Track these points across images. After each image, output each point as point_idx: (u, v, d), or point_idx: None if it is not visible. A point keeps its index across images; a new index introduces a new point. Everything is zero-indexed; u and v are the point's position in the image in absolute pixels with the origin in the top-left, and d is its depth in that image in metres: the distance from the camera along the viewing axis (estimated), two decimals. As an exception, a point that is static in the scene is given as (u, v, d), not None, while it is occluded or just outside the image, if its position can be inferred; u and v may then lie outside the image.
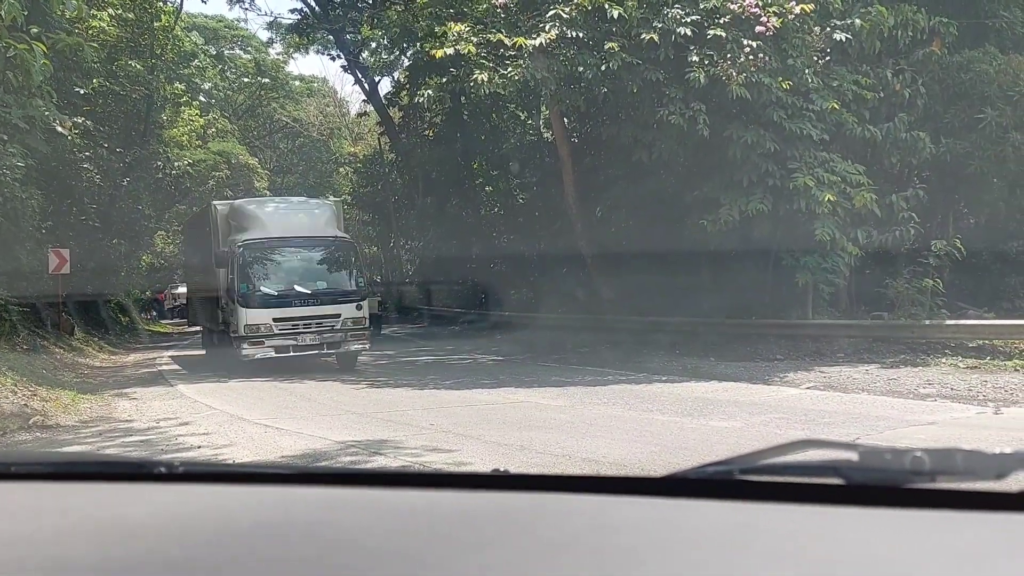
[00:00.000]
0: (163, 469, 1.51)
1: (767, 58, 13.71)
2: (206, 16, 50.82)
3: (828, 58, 14.95)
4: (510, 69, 13.33)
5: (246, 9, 63.20)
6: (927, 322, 13.96)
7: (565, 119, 20.31)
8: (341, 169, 55.92)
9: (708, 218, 14.35)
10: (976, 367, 12.23)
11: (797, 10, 13.86)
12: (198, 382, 13.85)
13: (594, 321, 19.19)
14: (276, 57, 54.66)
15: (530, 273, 24.09)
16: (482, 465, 6.10)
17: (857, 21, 14.65)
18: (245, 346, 14.71)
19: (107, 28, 26.33)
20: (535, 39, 13.26)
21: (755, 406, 9.64)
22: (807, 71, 14.15)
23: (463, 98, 27.35)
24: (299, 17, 36.50)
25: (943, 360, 12.83)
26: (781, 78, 13.90)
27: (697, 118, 13.50)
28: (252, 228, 15.77)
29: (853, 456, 1.25)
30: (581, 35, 13.63)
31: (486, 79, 13.23)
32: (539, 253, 23.95)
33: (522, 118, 27.00)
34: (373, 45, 31.64)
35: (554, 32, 13.50)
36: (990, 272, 17.58)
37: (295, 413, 9.96)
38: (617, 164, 18.29)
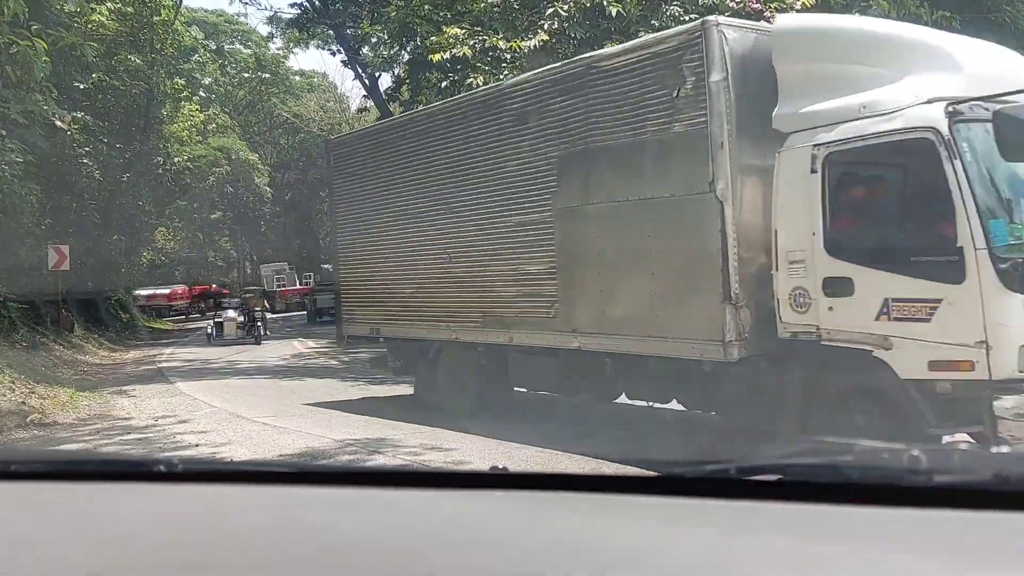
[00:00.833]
0: (162, 468, 1.50)
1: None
2: (206, 11, 50.75)
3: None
4: (507, 72, 13.22)
5: (246, 3, 62.87)
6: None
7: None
8: (341, 165, 55.83)
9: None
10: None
11: (798, 6, 13.75)
12: (198, 379, 13.81)
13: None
14: (276, 52, 54.46)
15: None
16: (481, 464, 6.06)
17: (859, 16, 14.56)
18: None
19: (106, 23, 26.23)
20: (532, 39, 13.17)
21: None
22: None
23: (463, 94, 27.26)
24: (299, 12, 36.32)
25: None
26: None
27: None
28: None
29: (850, 455, 1.25)
30: (579, 34, 13.52)
31: (482, 83, 13.12)
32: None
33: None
34: (373, 40, 31.54)
35: (552, 30, 13.39)
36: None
37: (295, 411, 9.91)
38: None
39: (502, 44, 13.15)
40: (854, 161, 5.97)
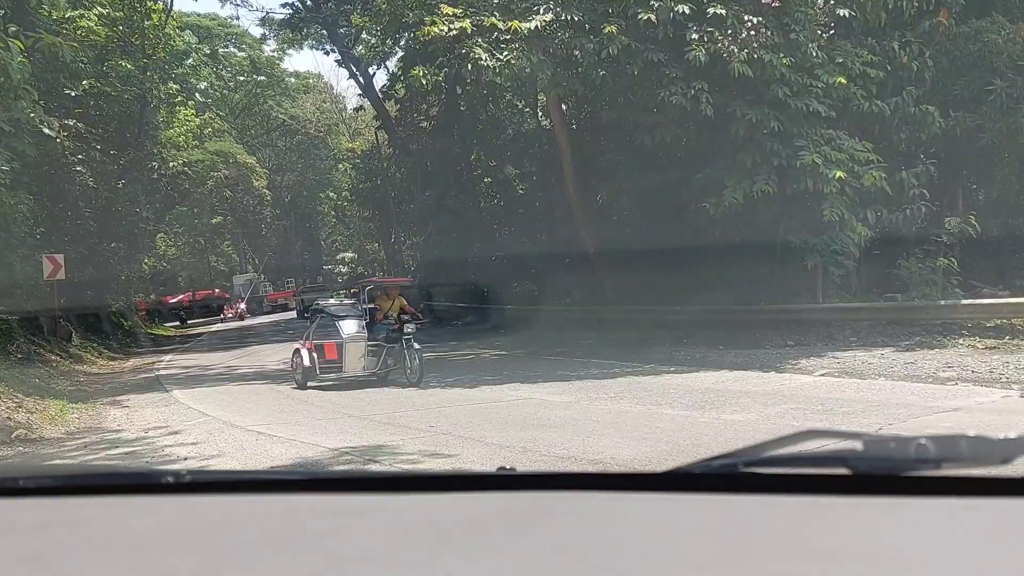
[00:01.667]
0: (170, 479, 1.50)
1: (769, 33, 13.26)
2: (199, 14, 50.35)
3: (832, 32, 14.45)
4: (506, 53, 12.90)
5: (237, 5, 62.62)
6: (942, 303, 13.52)
7: (564, 105, 19.89)
8: (340, 166, 55.59)
9: (711, 201, 13.93)
10: (995, 347, 11.82)
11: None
12: (194, 387, 13.52)
13: (598, 312, 18.80)
14: (271, 54, 54.32)
15: (532, 265, 23.67)
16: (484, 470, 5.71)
17: (861, -8, 14.17)
18: None
19: (95, 28, 25.93)
20: (530, 21, 12.85)
21: (768, 396, 9.24)
22: (811, 45, 13.67)
23: (459, 88, 26.95)
24: (291, 12, 36.00)
25: (960, 341, 12.41)
26: (783, 54, 13.44)
27: (699, 97, 13.08)
28: None
29: (858, 445, 1.23)
30: (577, 17, 13.21)
31: (486, 58, 12.78)
32: (540, 245, 23.57)
33: (520, 107, 26.55)
34: (365, 36, 31.23)
35: (549, 15, 13.09)
36: (1001, 249, 17.08)
37: (290, 418, 9.59)
38: (618, 150, 17.86)
39: (500, 25, 12.81)
40: None
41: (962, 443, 1.19)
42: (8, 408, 9.54)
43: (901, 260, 14.36)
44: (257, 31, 49.95)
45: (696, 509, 1.24)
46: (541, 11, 12.99)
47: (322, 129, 58.84)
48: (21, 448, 8.24)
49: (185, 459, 7.15)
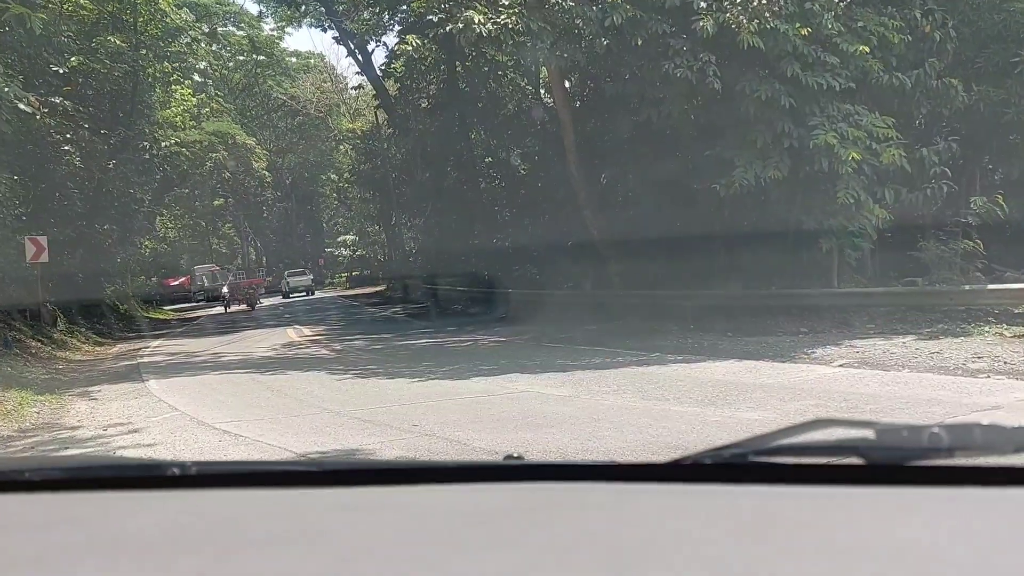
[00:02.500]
0: (176, 471, 1.49)
1: (783, 1, 12.41)
2: (196, -9, 49.33)
3: (850, 0, 13.59)
4: (504, 18, 12.06)
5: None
6: (966, 287, 12.73)
7: (566, 82, 19.03)
8: (341, 147, 54.78)
9: (721, 182, 13.12)
10: (1024, 336, 11.04)
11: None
12: (174, 376, 12.83)
13: (602, 296, 18.05)
14: (270, 33, 53.43)
15: (534, 248, 22.88)
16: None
17: (882, -44, 13.30)
18: None
19: (84, 3, 25.11)
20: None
21: (785, 390, 8.49)
22: (827, 15, 12.81)
23: (459, 66, 26.10)
24: (288, -14, 35.11)
25: (986, 329, 11.62)
26: (798, 24, 12.59)
27: (706, 70, 12.25)
28: None
29: (870, 434, 1.21)
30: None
31: (481, 21, 11.94)
32: (543, 227, 22.72)
33: (521, 84, 25.67)
34: (364, 12, 30.34)
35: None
36: (1021, 232, 16.21)
37: (263, 413, 8.86)
38: (622, 126, 17.02)
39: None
40: None
41: (975, 432, 1.17)
42: (-41, 402, 8.84)
43: (922, 242, 13.56)
44: (254, 8, 48.92)
45: (706, 499, 1.22)
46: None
47: (323, 109, 57.99)
48: (-34, 447, 7.55)
49: (138, 463, 6.43)
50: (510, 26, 12.05)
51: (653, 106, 13.75)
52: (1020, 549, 0.98)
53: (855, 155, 12.12)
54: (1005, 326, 11.67)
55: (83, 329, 22.18)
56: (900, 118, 14.09)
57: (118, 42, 26.54)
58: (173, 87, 35.96)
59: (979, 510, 1.09)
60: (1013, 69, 14.64)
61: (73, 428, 8.47)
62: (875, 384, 8.65)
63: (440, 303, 26.47)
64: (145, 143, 29.28)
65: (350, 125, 50.62)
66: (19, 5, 12.78)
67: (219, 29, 50.37)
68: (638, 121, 15.13)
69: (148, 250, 47.31)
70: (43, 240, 18.92)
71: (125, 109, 29.32)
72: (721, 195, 13.15)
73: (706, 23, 12.06)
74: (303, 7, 37.60)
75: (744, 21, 12.20)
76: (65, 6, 24.57)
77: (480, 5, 12.08)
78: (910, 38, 13.87)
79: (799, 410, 7.35)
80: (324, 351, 15.99)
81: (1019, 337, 11.07)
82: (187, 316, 36.05)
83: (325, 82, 58.97)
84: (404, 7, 23.11)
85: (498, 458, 1.66)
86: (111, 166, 27.80)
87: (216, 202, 59.20)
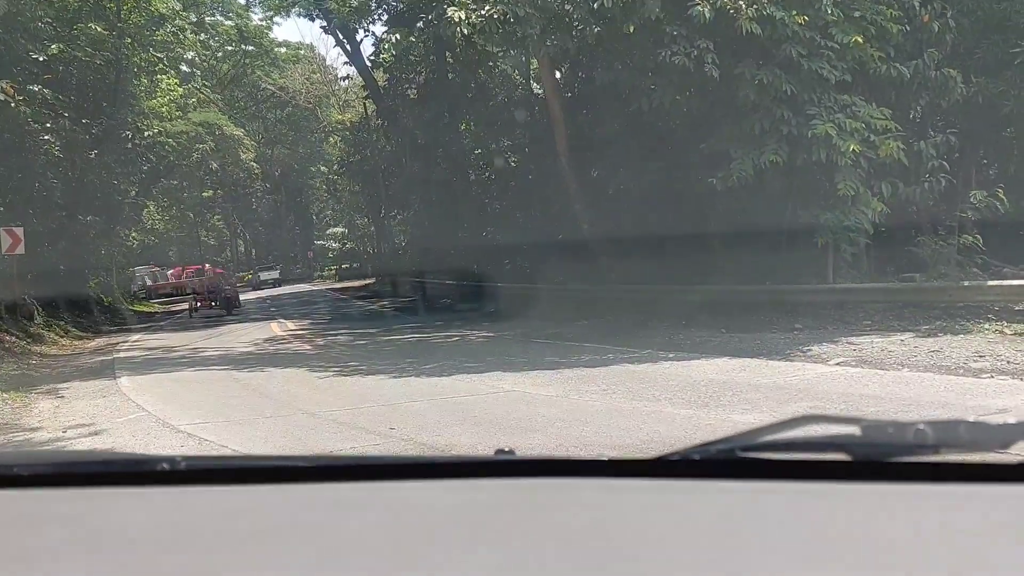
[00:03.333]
0: (165, 466, 1.47)
1: (780, -14, 12.03)
2: (182, -21, 48.58)
3: (849, -13, 13.20)
4: (488, 7, 11.64)
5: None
6: (966, 284, 12.40)
7: (557, 72, 18.63)
8: (331, 138, 54.23)
9: (717, 175, 12.74)
10: (1025, 334, 10.71)
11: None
12: (148, 372, 12.39)
13: (593, 292, 17.68)
14: (259, 23, 52.77)
15: (524, 242, 22.48)
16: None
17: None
18: None
19: (63, -11, 24.56)
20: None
21: (781, 390, 8.13)
22: (825, 1, 12.42)
23: (448, 56, 25.63)
24: (274, -25, 34.52)
25: (986, 326, 11.28)
26: (796, 11, 12.22)
27: (704, 57, 11.85)
28: None
29: (856, 430, 1.22)
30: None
31: (463, 17, 11.54)
32: (532, 220, 22.33)
33: (511, 74, 25.22)
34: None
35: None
36: (1018, 227, 15.86)
37: (235, 414, 8.44)
38: (615, 117, 16.62)
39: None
40: None
41: (961, 428, 1.17)
42: (-86, 401, 8.41)
43: (921, 237, 13.22)
44: (241, -1, 48.17)
45: (694, 495, 1.22)
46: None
47: (312, 101, 57.40)
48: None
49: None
50: (496, 16, 11.60)
51: (644, 95, 13.33)
52: (1003, 544, 0.99)
53: (855, 147, 11.76)
54: (1005, 323, 11.33)
55: (62, 323, 21.69)
56: (897, 110, 13.75)
57: (99, 29, 25.98)
58: (159, 76, 35.38)
59: (964, 505, 1.10)
60: (1013, 60, 14.28)
61: (32, 429, 8.04)
62: (875, 384, 8.29)
63: (428, 297, 26.08)
64: (128, 133, 28.67)
65: (339, 117, 50.07)
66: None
67: (207, 18, 49.72)
68: (630, 112, 14.74)
69: (136, 242, 46.79)
70: (19, 231, 18.38)
71: (108, 98, 28.71)
72: (718, 188, 12.76)
73: (703, 8, 11.67)
74: (290, -4, 37.03)
75: (743, 5, 11.82)
76: (46, -9, 24.02)
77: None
78: (908, 28, 13.51)
79: (796, 413, 6.96)
80: (306, 347, 15.57)
81: (1020, 335, 10.74)
82: (174, 309, 35.52)
83: (314, 73, 58.32)
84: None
85: (489, 452, 1.61)
86: (93, 156, 27.24)
87: (205, 194, 58.63)
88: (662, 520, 1.14)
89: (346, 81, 44.75)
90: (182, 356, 14.90)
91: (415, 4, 13.58)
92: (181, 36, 38.50)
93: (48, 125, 25.78)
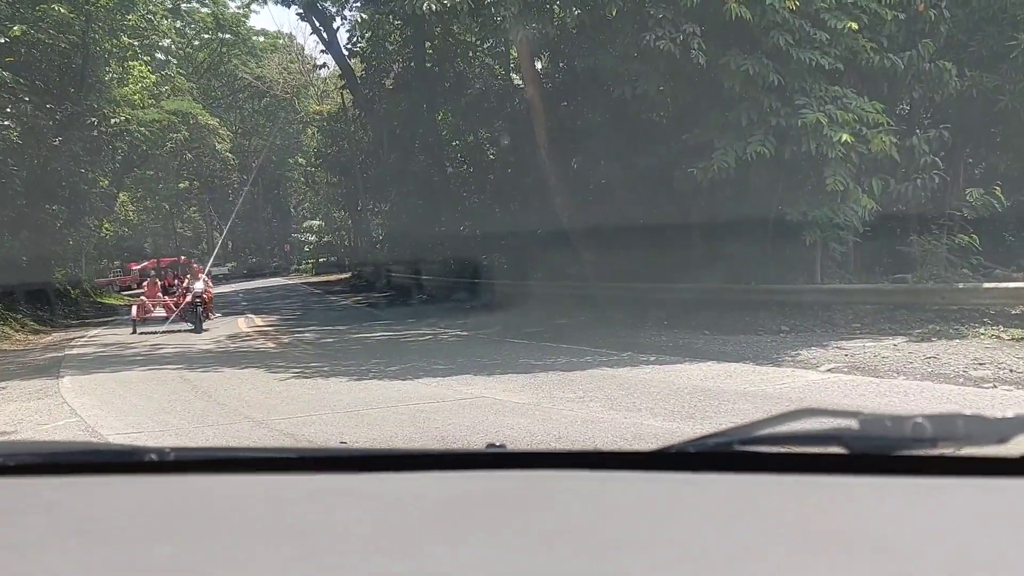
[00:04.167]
0: (153, 457, 1.47)
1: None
2: (156, -35, 47.50)
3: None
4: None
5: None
6: (960, 286, 11.84)
7: (537, 61, 17.93)
8: (308, 130, 53.28)
9: (699, 166, 12.12)
10: (1023, 339, 10.17)
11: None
12: (95, 371, 11.63)
13: (572, 289, 17.04)
14: (236, 11, 51.75)
15: (502, 237, 21.80)
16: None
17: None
18: None
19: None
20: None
21: (770, 400, 7.50)
22: (818, -15, 11.82)
23: (428, 45, 24.91)
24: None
25: (982, 331, 10.74)
26: (786, -4, 11.60)
27: (690, 43, 11.20)
28: None
29: (854, 424, 1.21)
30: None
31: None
32: (512, 214, 21.62)
33: (489, 64, 24.51)
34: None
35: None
36: (1008, 226, 15.31)
37: (175, 421, 7.71)
38: (596, 107, 15.99)
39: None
40: None
41: (959, 422, 1.17)
42: None
43: (913, 236, 12.67)
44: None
45: (691, 487, 1.21)
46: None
47: (290, 91, 56.36)
48: None
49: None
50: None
51: (627, 83, 12.67)
52: (1001, 537, 0.98)
53: (847, 137, 11.17)
54: (1002, 328, 10.80)
55: (19, 316, 20.80)
56: (888, 103, 13.20)
57: (64, 11, 25.01)
58: (130, 63, 34.37)
59: (961, 499, 1.09)
60: (1008, 54, 13.76)
61: (-54, 437, 7.30)
62: (871, 394, 7.70)
63: (403, 293, 25.39)
64: (94, 119, 27.67)
65: (318, 107, 49.13)
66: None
67: (183, 4, 48.57)
68: (612, 102, 14.10)
69: (110, 233, 45.75)
70: (-30, 221, 17.51)
71: (75, 83, 27.71)
72: (699, 180, 12.13)
73: (690, -9, 11.04)
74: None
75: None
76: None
77: None
78: (903, 16, 12.93)
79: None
80: (270, 344, 14.81)
81: (1018, 340, 10.20)
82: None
83: (292, 63, 57.29)
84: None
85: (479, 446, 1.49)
86: (57, 143, 26.26)
87: (181, 185, 57.61)
88: (657, 511, 1.13)
89: (323, 70, 43.91)
90: (137, 353, 14.12)
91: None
92: (155, 22, 37.51)
93: (8, 110, 24.82)
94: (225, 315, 22.18)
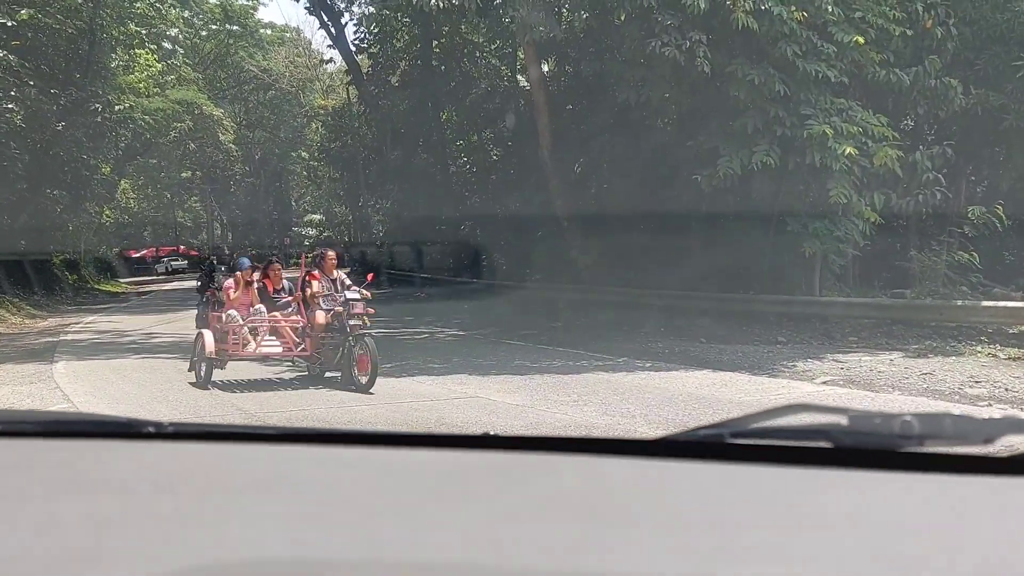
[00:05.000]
0: (152, 428, 1.49)
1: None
2: (166, -46, 47.42)
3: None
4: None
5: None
6: (959, 303, 11.84)
7: (544, 64, 17.94)
8: (313, 124, 53.23)
9: (703, 173, 12.10)
10: (1020, 358, 10.16)
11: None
12: (90, 358, 11.60)
13: (569, 292, 17.01)
14: (245, 3, 51.74)
15: (501, 237, 21.78)
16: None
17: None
18: None
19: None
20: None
21: (765, 410, 7.47)
22: (826, -1, 11.81)
23: (435, 44, 24.90)
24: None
25: (979, 349, 10.73)
26: (795, 7, 11.60)
27: (696, 50, 11.18)
28: None
29: (843, 420, 1.23)
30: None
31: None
32: (512, 215, 21.60)
33: (496, 65, 24.49)
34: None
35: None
36: (1008, 245, 15.25)
37: (165, 411, 7.58)
38: (600, 112, 15.97)
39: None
40: None
41: (946, 421, 1.18)
42: None
43: (913, 252, 12.66)
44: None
45: (681, 476, 1.23)
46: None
47: (295, 84, 56.31)
48: None
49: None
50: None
51: (632, 88, 12.66)
52: (983, 534, 0.99)
53: (851, 150, 11.16)
54: (999, 347, 10.80)
55: (16, 300, 20.75)
56: (893, 118, 13.20)
57: (71, -6, 25.02)
58: (136, 51, 34.35)
59: (945, 496, 1.10)
60: (1015, 73, 13.77)
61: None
62: (866, 408, 7.67)
63: (402, 291, 25.35)
64: (98, 105, 27.63)
65: (323, 102, 49.09)
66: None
67: (191, -4, 48.51)
68: (616, 107, 14.10)
69: (110, 220, 45.70)
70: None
71: (81, 69, 27.68)
72: (704, 188, 12.12)
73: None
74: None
75: (739, -1, 11.19)
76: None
77: None
78: (910, 32, 12.93)
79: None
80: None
81: (1015, 360, 10.20)
82: (143, 290, 34.53)
83: (299, 56, 57.25)
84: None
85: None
86: (60, 128, 26.22)
87: (184, 174, 57.53)
88: (645, 493, 1.15)
89: (329, 64, 43.85)
90: (133, 341, 14.08)
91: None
92: (163, 10, 37.49)
93: (12, 93, 24.79)
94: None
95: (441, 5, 11.18)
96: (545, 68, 18.38)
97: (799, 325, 12.83)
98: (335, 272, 9.73)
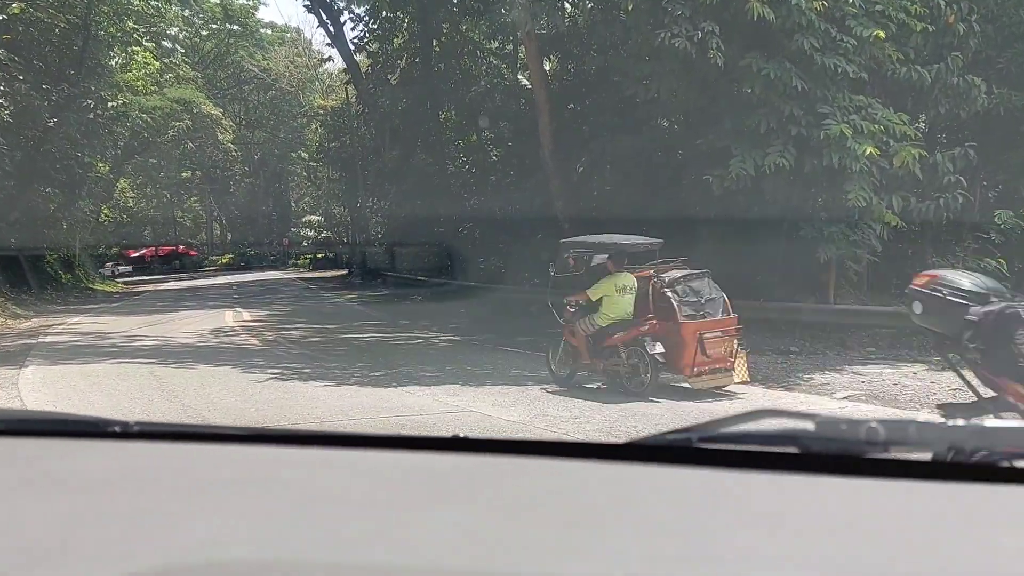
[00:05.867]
0: (117, 428, 1.47)
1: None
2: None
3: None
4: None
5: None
6: (984, 312, 11.16)
7: (546, 61, 17.31)
8: (312, 124, 52.70)
9: (714, 173, 11.45)
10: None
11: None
12: (64, 362, 10.96)
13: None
14: (245, 2, 51.30)
15: (501, 239, 21.14)
16: None
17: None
18: None
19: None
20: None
21: (784, 429, 6.83)
22: (846, -11, 11.19)
23: (435, 43, 24.32)
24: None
25: (1007, 361, 10.06)
26: (813, -2, 10.96)
27: (708, 42, 10.53)
28: None
29: (810, 426, 1.23)
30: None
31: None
32: (512, 216, 20.96)
33: (496, 64, 23.88)
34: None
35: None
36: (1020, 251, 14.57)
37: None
38: (604, 110, 15.34)
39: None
40: None
41: (911, 428, 1.20)
42: None
43: (934, 258, 12.00)
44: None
45: (649, 479, 1.24)
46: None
47: (295, 84, 55.81)
48: None
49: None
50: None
51: (639, 83, 12.01)
52: (945, 540, 0.99)
53: (871, 150, 10.52)
54: (1027, 359, 10.13)
55: (1, 299, 20.15)
56: (912, 117, 12.56)
57: (62, -12, 24.46)
58: (134, 49, 33.80)
59: (910, 502, 1.10)
60: (1038, 72, 13.13)
61: None
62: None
63: (398, 292, 24.74)
64: (91, 102, 27.03)
65: (323, 102, 48.53)
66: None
67: (192, -5, 48.00)
68: (621, 105, 13.46)
69: (108, 219, 45.16)
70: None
71: (74, 65, 27.10)
72: (715, 190, 11.47)
73: (709, -11, 10.41)
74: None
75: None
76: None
77: None
78: (932, 28, 12.29)
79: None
80: (253, 341, 14.12)
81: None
82: (136, 290, 33.93)
83: (299, 56, 56.76)
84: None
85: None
86: (52, 124, 25.62)
87: (183, 174, 57.06)
88: (615, 500, 1.15)
89: (329, 64, 43.31)
90: (113, 344, 13.44)
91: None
92: (162, 9, 36.89)
93: (2, 88, 24.22)
94: (213, 308, 21.54)
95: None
96: (547, 66, 17.76)
97: (813, 335, 12.19)
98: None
